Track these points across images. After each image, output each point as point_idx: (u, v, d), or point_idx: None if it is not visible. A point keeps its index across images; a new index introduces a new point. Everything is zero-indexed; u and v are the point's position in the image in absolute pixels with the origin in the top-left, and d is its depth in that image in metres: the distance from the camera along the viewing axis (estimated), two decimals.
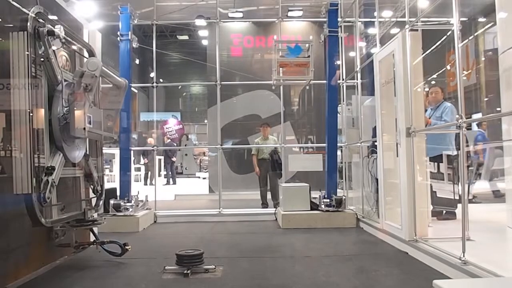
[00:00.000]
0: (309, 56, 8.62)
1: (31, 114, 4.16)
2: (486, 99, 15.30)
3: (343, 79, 9.77)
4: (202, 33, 18.97)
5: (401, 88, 5.87)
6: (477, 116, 14.64)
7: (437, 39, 9.53)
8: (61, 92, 4.67)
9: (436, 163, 6.94)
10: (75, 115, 4.64)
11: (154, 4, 9.71)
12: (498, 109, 7.04)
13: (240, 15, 13.74)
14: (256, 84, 13.85)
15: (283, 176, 9.83)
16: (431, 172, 6.71)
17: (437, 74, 12.76)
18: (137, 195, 8.45)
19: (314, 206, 8.18)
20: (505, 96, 5.80)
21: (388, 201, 6.66)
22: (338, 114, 9.28)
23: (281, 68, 8.75)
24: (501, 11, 5.98)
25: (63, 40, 4.75)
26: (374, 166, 7.54)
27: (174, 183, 18.46)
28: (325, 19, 8.87)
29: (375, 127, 7.12)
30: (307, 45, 8.66)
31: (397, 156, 6.09)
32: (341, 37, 9.61)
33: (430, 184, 6.58)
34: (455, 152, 6.79)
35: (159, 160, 18.41)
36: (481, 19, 15.25)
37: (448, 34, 9.82)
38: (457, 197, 6.62)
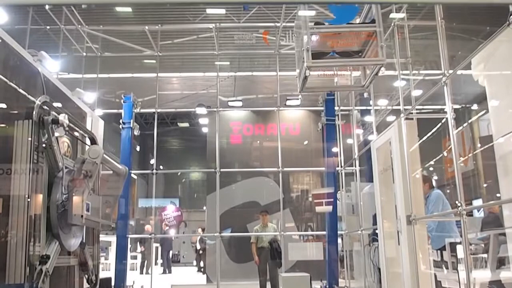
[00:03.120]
0: (373, 21, 4.93)
1: (28, 200, 4.13)
2: (485, 185, 15.33)
3: (341, 166, 9.85)
4: (202, 120, 19.42)
5: (399, 175, 5.91)
6: (477, 202, 14.58)
7: (433, 125, 9.74)
8: (61, 179, 4.68)
9: (439, 251, 6.79)
10: (73, 201, 4.62)
11: (157, 92, 10.05)
12: (498, 195, 7.03)
13: (240, 103, 14.16)
14: (255, 171, 13.92)
15: (283, 265, 9.57)
16: (434, 260, 6.55)
17: (434, 160, 12.89)
18: (132, 285, 8.18)
19: None
20: (503, 183, 5.81)
21: None
22: (338, 201, 9.24)
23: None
24: (492, 99, 6.17)
25: (67, 128, 4.85)
26: (375, 255, 7.37)
27: (170, 272, 17.92)
28: (322, 108, 9.12)
29: (375, 214, 7.07)
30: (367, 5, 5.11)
31: (399, 244, 5.98)
32: (339, 125, 9.82)
33: (434, 273, 6.39)
34: (458, 239, 6.67)
35: (156, 248, 18.03)
36: (474, 107, 15.69)
37: (442, 121, 10.07)
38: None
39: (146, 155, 28.24)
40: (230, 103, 13.56)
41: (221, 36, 11.03)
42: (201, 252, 17.82)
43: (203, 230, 17.47)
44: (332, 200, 8.43)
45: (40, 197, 4.42)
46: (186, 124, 28.78)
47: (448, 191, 10.92)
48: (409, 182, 5.77)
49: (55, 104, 4.85)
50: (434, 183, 7.36)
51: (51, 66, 8.96)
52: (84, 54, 11.46)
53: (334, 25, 5.04)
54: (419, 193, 6.02)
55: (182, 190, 34.82)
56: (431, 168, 12.49)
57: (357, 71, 6.03)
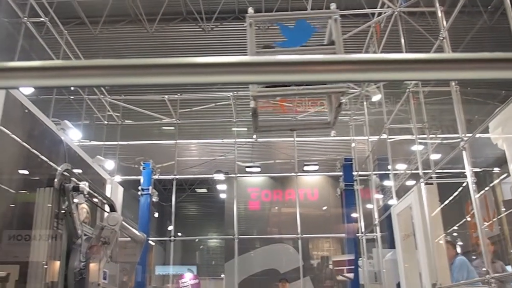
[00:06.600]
0: (332, 44, 4.01)
1: (46, 267, 4.11)
2: None
3: (362, 232, 9.65)
4: (220, 186, 19.45)
5: (422, 242, 5.76)
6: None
7: (454, 189, 9.57)
8: (80, 246, 4.67)
9: None
10: (90, 269, 4.58)
11: (175, 159, 10.16)
12: None
13: (258, 169, 14.21)
14: (274, 238, 13.71)
15: None
16: None
17: (458, 225, 12.55)
18: None
19: None
20: None
21: None
22: (359, 269, 8.97)
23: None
24: None
25: (87, 196, 4.90)
26: None
27: None
28: (340, 173, 9.09)
29: (399, 282, 6.82)
30: (329, 22, 4.12)
31: None
32: (358, 190, 9.73)
33: None
34: None
35: None
36: (496, 169, 15.42)
37: (464, 185, 9.90)
38: None
39: (164, 221, 28.07)
40: (248, 169, 13.63)
41: (238, 103, 11.27)
42: None
43: None
44: (353, 267, 8.19)
45: (57, 264, 4.40)
46: (204, 190, 28.79)
47: (474, 257, 10.55)
48: (433, 248, 5.61)
49: (76, 171, 4.94)
50: (458, 249, 7.11)
51: (73, 134, 9.21)
52: (106, 122, 11.77)
53: (285, 48, 4.03)
54: (443, 260, 5.83)
55: (200, 257, 34.24)
56: (454, 234, 12.14)
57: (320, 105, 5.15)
